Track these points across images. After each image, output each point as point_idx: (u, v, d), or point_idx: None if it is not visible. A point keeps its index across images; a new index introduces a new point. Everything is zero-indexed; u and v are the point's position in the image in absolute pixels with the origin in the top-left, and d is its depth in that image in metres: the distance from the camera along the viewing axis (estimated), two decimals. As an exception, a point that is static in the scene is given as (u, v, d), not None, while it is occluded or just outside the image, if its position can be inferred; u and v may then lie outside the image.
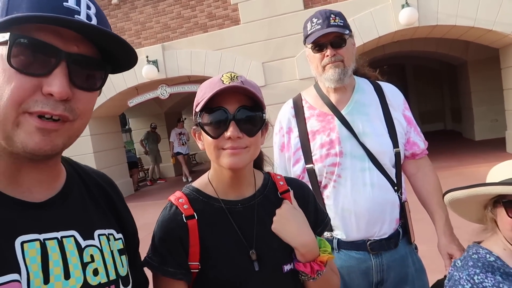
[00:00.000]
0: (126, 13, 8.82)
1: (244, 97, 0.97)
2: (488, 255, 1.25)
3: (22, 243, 0.63)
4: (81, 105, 0.66)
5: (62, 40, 0.62)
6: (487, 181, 1.34)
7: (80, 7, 0.64)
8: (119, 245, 0.80)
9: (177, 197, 1.04)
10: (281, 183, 1.12)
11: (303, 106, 1.73)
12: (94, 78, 0.67)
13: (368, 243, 1.57)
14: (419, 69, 14.67)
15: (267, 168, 1.22)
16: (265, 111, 1.01)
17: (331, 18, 1.58)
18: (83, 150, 9.09)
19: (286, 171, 1.73)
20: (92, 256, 0.72)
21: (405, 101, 1.75)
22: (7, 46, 0.60)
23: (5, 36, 0.60)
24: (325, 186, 1.62)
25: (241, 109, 0.95)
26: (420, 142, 1.71)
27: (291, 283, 1.03)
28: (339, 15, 1.62)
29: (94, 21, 0.65)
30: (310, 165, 1.63)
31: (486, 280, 1.17)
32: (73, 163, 0.83)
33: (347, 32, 1.58)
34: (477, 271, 1.20)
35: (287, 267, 1.02)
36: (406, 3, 7.07)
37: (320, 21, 1.58)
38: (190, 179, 10.48)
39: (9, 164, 0.65)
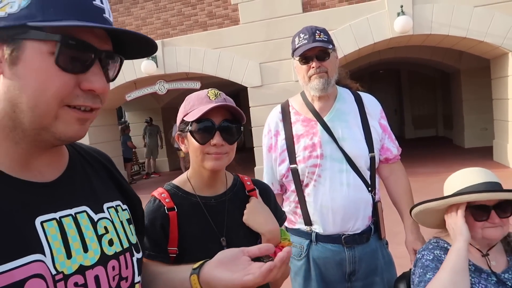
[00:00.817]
0: (128, 8, 8.95)
1: (226, 111, 1.18)
2: (445, 244, 1.44)
3: (42, 222, 0.66)
4: (106, 95, 0.73)
5: (97, 39, 0.68)
6: (445, 190, 1.51)
7: (103, 4, 0.70)
8: (126, 215, 0.85)
9: (159, 192, 1.23)
10: (248, 183, 1.33)
11: (290, 112, 1.90)
12: (114, 70, 0.74)
13: (342, 237, 1.75)
14: (413, 75, 14.90)
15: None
16: (242, 122, 1.22)
17: (316, 34, 1.75)
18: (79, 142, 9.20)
19: (273, 169, 1.91)
20: (105, 228, 0.76)
21: (382, 110, 1.93)
22: (57, 47, 0.63)
23: (55, 37, 0.63)
24: (307, 185, 1.80)
25: (225, 122, 1.17)
26: (393, 148, 1.89)
27: None
28: (324, 31, 1.80)
29: (107, 14, 0.71)
30: (294, 165, 1.81)
31: (444, 256, 1.37)
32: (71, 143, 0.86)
33: (331, 46, 1.76)
34: (437, 251, 1.40)
35: None
36: (402, 11, 7.27)
37: (307, 36, 1.76)
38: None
39: (24, 150, 0.68)
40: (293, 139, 1.84)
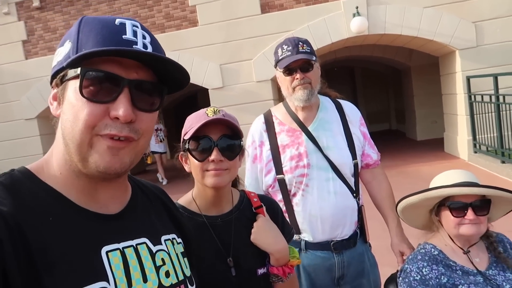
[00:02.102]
0: (80, 10, 8.57)
1: (225, 127, 1.17)
2: (433, 249, 1.52)
3: (107, 252, 0.70)
4: (144, 125, 0.73)
5: (123, 69, 0.69)
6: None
7: (137, 38, 0.72)
8: (181, 248, 0.89)
9: None
10: (255, 199, 1.32)
11: (273, 122, 1.92)
12: (153, 100, 0.74)
13: (331, 243, 1.79)
14: (367, 72, 15.47)
15: (240, 187, 1.43)
16: (242, 140, 1.22)
17: (299, 46, 1.78)
18: (31, 151, 8.74)
19: (257, 180, 1.91)
20: (163, 260, 0.79)
21: (362, 117, 2.00)
22: (79, 79, 0.68)
23: (77, 71, 0.68)
24: (294, 194, 1.82)
25: (223, 138, 1.16)
26: (373, 154, 1.97)
27: (263, 285, 1.22)
28: (306, 42, 1.83)
29: (149, 49, 0.72)
30: (280, 176, 1.83)
31: (431, 272, 1.43)
32: (132, 177, 0.89)
33: (314, 58, 1.80)
34: (425, 264, 1.46)
35: (260, 271, 1.21)
36: (357, 12, 7.51)
37: (290, 47, 1.78)
38: (165, 182, 9.44)
39: (86, 183, 0.73)
40: (278, 149, 1.86)
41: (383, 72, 15.00)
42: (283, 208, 1.84)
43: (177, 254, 0.85)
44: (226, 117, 1.16)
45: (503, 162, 6.37)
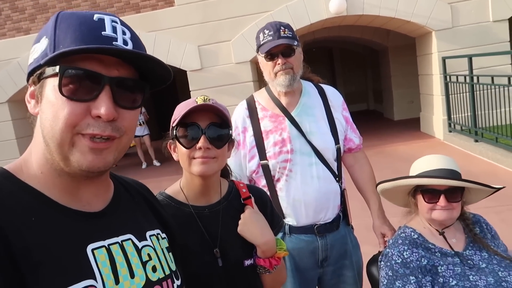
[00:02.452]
0: (49, -11, 8.21)
1: (214, 115, 1.15)
2: (412, 233, 1.56)
3: (92, 250, 0.69)
4: (126, 123, 0.72)
5: (104, 66, 0.68)
6: (410, 173, 1.65)
7: (116, 34, 0.70)
8: (166, 243, 0.89)
9: None
10: (244, 190, 1.31)
11: (256, 108, 1.91)
12: (135, 97, 0.73)
13: (315, 227, 1.82)
14: (345, 52, 15.50)
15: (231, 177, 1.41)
16: (232, 129, 1.20)
17: (281, 30, 1.76)
18: (3, 136, 8.47)
19: (241, 166, 1.91)
20: (149, 255, 0.80)
21: (344, 102, 2.01)
22: (58, 77, 0.66)
23: (55, 69, 0.66)
24: (278, 180, 1.83)
25: (211, 126, 1.14)
26: (355, 139, 1.99)
27: (250, 275, 1.22)
28: (288, 27, 1.81)
29: (130, 45, 0.71)
30: (264, 161, 1.83)
31: (412, 255, 1.48)
32: (114, 175, 0.89)
33: (296, 43, 1.78)
34: (405, 247, 1.51)
35: (247, 262, 1.21)
36: (336, -8, 7.47)
37: (272, 32, 1.76)
38: (144, 165, 9.18)
39: (68, 182, 0.72)
40: (261, 135, 1.85)
41: (361, 53, 15.07)
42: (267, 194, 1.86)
43: (162, 249, 0.85)
44: (216, 105, 1.14)
45: (476, 141, 6.58)
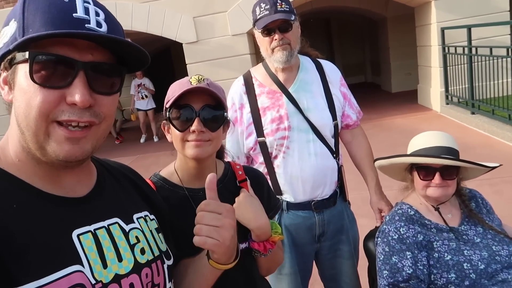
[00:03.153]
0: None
1: (209, 97, 1.12)
2: (409, 210, 1.58)
3: (78, 235, 0.68)
4: (105, 109, 0.70)
5: (77, 50, 0.65)
6: (408, 149, 1.65)
7: (89, 16, 0.66)
8: (155, 224, 0.88)
9: None
10: (240, 172, 1.29)
11: (253, 84, 1.88)
12: (112, 81, 0.71)
13: (312, 203, 1.84)
14: (343, 23, 15.22)
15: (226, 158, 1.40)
16: (227, 111, 1.18)
17: (278, 4, 1.71)
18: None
19: (238, 143, 1.90)
20: (137, 238, 0.79)
21: (342, 77, 1.98)
22: (28, 64, 0.63)
23: (25, 55, 0.63)
24: (276, 157, 1.83)
25: (205, 107, 1.11)
26: (353, 115, 1.97)
27: (245, 259, 1.21)
28: (285, 0, 1.75)
29: (104, 27, 0.68)
30: (261, 138, 1.82)
31: (408, 231, 1.50)
32: (97, 158, 0.87)
33: (293, 17, 1.74)
34: (402, 224, 1.53)
35: (242, 246, 1.20)
36: (334, -40, 7.25)
37: (268, 6, 1.71)
38: (143, 139, 9.11)
39: (47, 170, 0.70)
40: (259, 112, 1.83)
41: (359, 24, 14.81)
42: (265, 171, 1.86)
43: (151, 231, 0.85)
44: (211, 87, 1.11)
45: (472, 113, 6.57)
